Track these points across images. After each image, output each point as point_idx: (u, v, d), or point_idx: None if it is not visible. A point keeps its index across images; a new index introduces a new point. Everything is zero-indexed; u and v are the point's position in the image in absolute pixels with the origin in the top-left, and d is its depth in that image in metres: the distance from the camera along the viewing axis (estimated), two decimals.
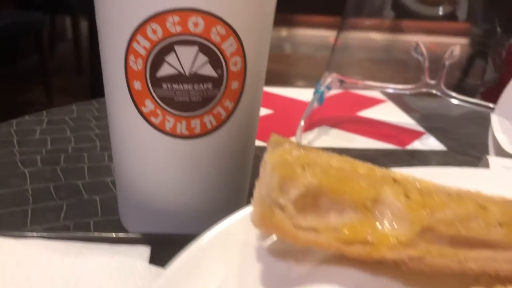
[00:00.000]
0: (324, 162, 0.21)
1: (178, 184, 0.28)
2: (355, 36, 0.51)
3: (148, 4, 0.23)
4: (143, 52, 0.24)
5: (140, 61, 0.25)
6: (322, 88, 0.46)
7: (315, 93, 0.46)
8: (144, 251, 0.27)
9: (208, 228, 0.22)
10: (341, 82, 0.48)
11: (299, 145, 0.22)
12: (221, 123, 0.27)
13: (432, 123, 0.52)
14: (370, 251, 0.19)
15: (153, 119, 0.26)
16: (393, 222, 0.19)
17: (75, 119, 0.47)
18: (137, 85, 0.25)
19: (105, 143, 0.42)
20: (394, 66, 0.57)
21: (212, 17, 0.24)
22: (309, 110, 0.45)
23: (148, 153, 0.27)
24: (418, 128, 0.51)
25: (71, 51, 2.55)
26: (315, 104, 0.46)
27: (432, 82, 0.46)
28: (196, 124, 0.26)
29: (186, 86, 0.25)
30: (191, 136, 0.26)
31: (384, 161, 0.43)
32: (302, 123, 0.44)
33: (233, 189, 0.30)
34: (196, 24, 0.24)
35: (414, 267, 0.19)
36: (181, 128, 0.26)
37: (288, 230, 0.19)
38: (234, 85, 0.26)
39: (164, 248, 0.27)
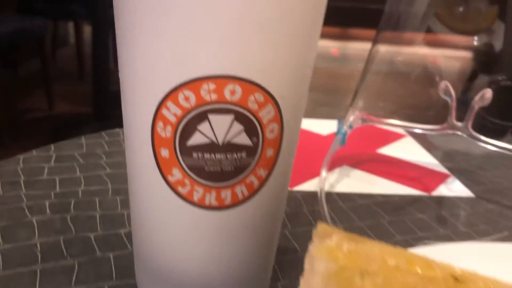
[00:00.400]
0: (379, 258, 0.19)
1: (203, 256, 0.26)
2: (381, 64, 0.49)
3: (182, 69, 0.21)
4: (173, 119, 0.22)
5: (169, 128, 0.22)
6: (345, 128, 0.44)
7: (337, 133, 0.44)
8: None
9: None
10: (364, 120, 0.46)
11: (348, 236, 0.20)
12: (253, 193, 0.25)
13: (456, 164, 0.50)
14: None
15: (180, 189, 0.24)
16: None
17: (85, 155, 0.45)
18: (164, 153, 0.23)
19: (117, 185, 0.40)
20: (421, 95, 0.54)
21: (250, 85, 0.22)
22: (332, 152, 0.43)
23: (173, 223, 0.25)
24: (442, 169, 0.49)
25: (73, 57, 2.52)
26: (338, 146, 0.43)
27: (459, 124, 0.44)
28: (226, 194, 0.24)
29: (218, 156, 0.23)
30: (221, 207, 0.24)
31: (410, 210, 0.41)
32: (325, 168, 0.41)
33: (260, 259, 0.28)
34: (233, 92, 0.22)
35: None
36: (210, 199, 0.24)
37: None
38: (269, 152, 0.24)
39: None
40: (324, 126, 0.57)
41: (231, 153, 0.23)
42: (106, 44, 2.07)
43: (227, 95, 0.22)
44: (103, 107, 2.06)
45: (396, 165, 0.49)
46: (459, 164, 0.50)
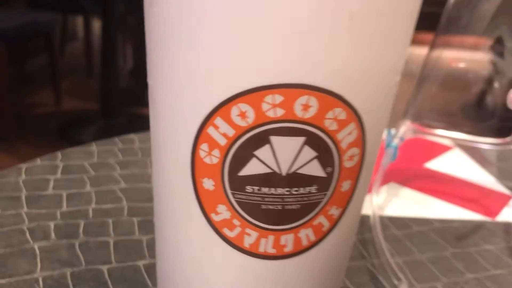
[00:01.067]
0: None
1: None
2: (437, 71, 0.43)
3: (239, 76, 0.15)
4: (222, 141, 0.16)
5: (217, 153, 0.17)
6: (396, 141, 0.38)
7: (387, 147, 0.38)
8: None
9: None
10: (415, 131, 0.40)
11: None
12: (321, 238, 0.19)
13: None
14: None
15: (226, 232, 0.18)
16: None
17: (95, 165, 0.39)
18: (208, 184, 0.17)
19: (134, 203, 0.34)
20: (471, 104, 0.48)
21: (330, 97, 0.16)
22: (383, 168, 0.37)
23: (215, 274, 0.19)
24: (503, 189, 0.43)
25: (82, 52, 2.47)
26: (389, 161, 0.38)
27: None
28: (287, 240, 0.18)
29: (280, 190, 0.17)
30: (279, 256, 0.19)
31: (476, 240, 0.35)
32: (377, 188, 0.36)
33: None
34: (306, 107, 0.16)
35: None
36: (266, 245, 0.18)
37: None
38: (346, 186, 0.18)
39: None
40: None
41: (297, 187, 0.17)
42: (115, 40, 2.02)
43: (297, 110, 0.16)
44: (111, 104, 2.00)
45: (448, 183, 0.43)
46: None
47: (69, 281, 0.26)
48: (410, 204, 0.38)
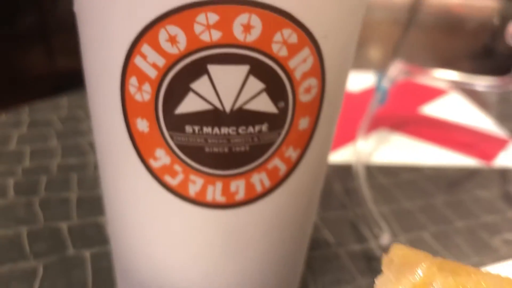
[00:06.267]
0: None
1: (205, 271, 0.18)
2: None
3: None
4: (152, 73, 0.14)
5: (147, 88, 0.14)
6: (386, 83, 0.35)
7: (377, 90, 0.36)
8: None
9: None
10: (407, 73, 0.37)
11: (443, 263, 0.12)
12: (277, 183, 0.16)
13: None
14: None
15: (168, 179, 0.16)
16: None
17: (65, 119, 0.37)
18: (142, 125, 0.15)
19: None
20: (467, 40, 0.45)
21: (276, 15, 0.13)
22: (371, 113, 0.34)
23: (159, 226, 0.17)
24: (500, 133, 0.40)
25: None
26: (377, 105, 0.35)
27: None
28: (238, 187, 0.16)
29: (225, 130, 0.15)
30: (230, 205, 0.16)
31: (470, 187, 0.33)
32: (362, 134, 0.33)
33: (284, 272, 0.20)
34: (247, 28, 0.13)
35: None
36: (214, 193, 0.16)
37: None
38: (303, 124, 0.16)
39: None
40: (353, 81, 0.48)
41: (245, 125, 0.15)
42: None
43: (237, 33, 0.13)
44: None
45: (444, 128, 0.40)
46: None
47: (25, 240, 0.25)
48: (400, 151, 0.36)
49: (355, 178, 0.30)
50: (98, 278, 0.23)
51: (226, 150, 0.15)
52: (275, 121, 0.15)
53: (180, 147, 0.15)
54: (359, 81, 0.47)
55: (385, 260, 0.12)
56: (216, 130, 0.15)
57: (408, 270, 0.12)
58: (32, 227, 0.26)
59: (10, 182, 0.29)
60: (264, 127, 0.15)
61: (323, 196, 0.30)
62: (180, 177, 0.16)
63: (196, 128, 0.15)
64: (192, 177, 0.16)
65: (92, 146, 0.33)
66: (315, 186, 0.19)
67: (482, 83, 0.36)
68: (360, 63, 0.45)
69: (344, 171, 0.32)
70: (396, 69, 0.36)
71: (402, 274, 0.12)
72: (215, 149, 0.15)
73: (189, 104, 0.14)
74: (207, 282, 0.18)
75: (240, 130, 0.15)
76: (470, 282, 0.12)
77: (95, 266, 0.23)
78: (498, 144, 0.38)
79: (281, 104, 0.15)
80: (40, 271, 0.23)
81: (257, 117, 0.15)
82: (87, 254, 0.24)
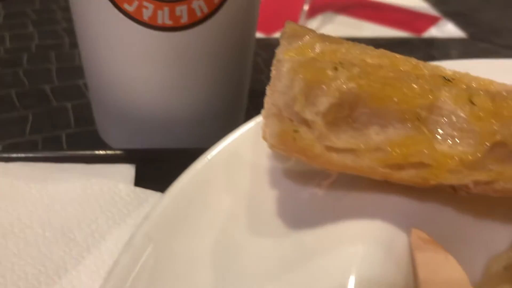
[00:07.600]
0: (357, 59, 0.16)
1: (163, 87, 0.23)
2: None
3: None
4: None
5: None
6: None
7: None
8: (128, 171, 0.22)
9: (206, 145, 0.17)
10: None
11: (324, 36, 0.17)
12: (214, 9, 0.21)
13: (449, 7, 0.46)
14: (426, 176, 0.14)
15: (126, 6, 0.20)
16: (455, 138, 0.14)
17: (38, 11, 0.40)
18: None
19: (75, 39, 0.36)
20: None
21: None
22: None
23: (123, 49, 0.21)
24: (434, 12, 0.45)
25: None
26: None
27: None
28: (182, 11, 0.20)
29: None
30: (176, 27, 0.21)
31: (398, 51, 0.37)
32: (306, 8, 0.37)
33: (230, 92, 0.25)
34: None
35: (479, 192, 0.15)
36: (163, 17, 0.20)
37: (317, 153, 0.14)
38: None
39: (151, 166, 0.23)
40: None
41: None
42: None
43: None
44: None
45: (384, 10, 0.45)
46: (452, 7, 0.46)
47: (15, 98, 0.29)
48: (343, 28, 0.40)
49: None
50: (79, 120, 0.28)
51: None
52: None
53: None
54: None
55: (281, 33, 0.17)
56: None
57: (298, 39, 0.17)
58: (19, 89, 0.30)
59: None
60: None
61: (271, 62, 0.34)
62: (135, 3, 0.20)
63: None
64: (145, 3, 0.20)
65: (66, 31, 0.37)
66: (249, 15, 0.23)
67: None
68: None
69: None
70: None
71: (294, 40, 0.17)
72: None
73: None
74: (165, 95, 0.23)
75: None
76: (342, 48, 0.17)
77: (76, 113, 0.28)
78: (430, 21, 0.43)
79: None
80: (30, 118, 0.27)
81: None
82: (68, 105, 0.29)
